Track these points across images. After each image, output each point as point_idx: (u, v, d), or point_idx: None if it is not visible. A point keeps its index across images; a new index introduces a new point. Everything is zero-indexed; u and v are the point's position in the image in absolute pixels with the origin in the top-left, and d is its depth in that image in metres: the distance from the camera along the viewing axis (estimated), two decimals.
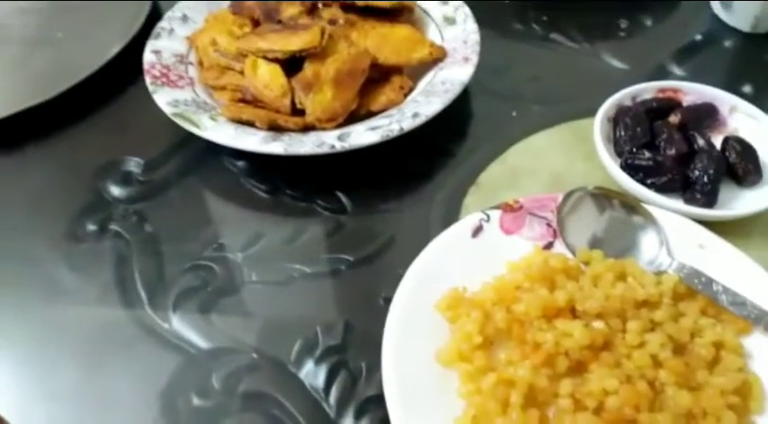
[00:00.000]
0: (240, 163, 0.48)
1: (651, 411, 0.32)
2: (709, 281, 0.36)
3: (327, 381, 0.36)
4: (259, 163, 0.48)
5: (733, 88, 0.53)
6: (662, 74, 0.54)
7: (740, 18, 0.57)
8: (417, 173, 0.47)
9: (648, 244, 0.38)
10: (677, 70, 0.55)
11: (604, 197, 0.40)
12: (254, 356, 0.38)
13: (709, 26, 0.59)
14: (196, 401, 0.36)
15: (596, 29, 0.59)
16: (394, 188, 0.46)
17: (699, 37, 0.58)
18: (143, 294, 0.41)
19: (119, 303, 0.41)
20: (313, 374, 0.37)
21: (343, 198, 0.46)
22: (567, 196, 0.40)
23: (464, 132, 0.50)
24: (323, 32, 0.47)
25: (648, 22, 0.60)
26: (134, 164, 0.48)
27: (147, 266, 0.42)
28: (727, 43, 0.57)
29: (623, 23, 0.59)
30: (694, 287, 0.36)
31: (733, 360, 0.34)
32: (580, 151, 0.47)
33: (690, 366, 0.34)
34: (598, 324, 0.34)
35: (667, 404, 0.32)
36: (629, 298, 0.35)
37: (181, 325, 0.39)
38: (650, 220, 0.39)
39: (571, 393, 0.33)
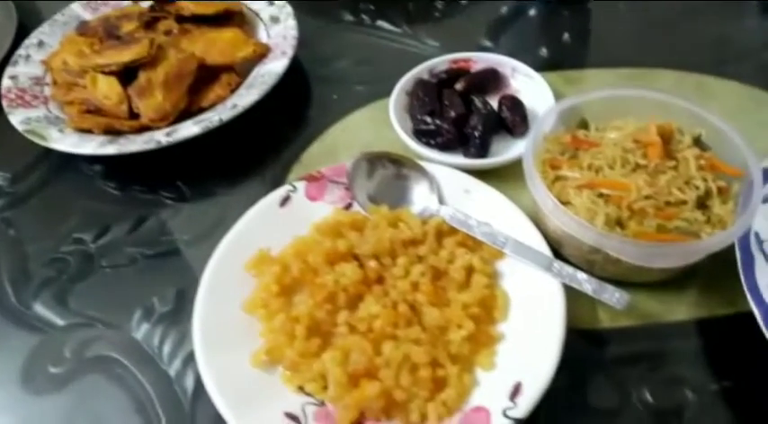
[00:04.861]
0: (96, 167, 0.54)
1: (409, 327, 0.39)
2: (466, 218, 0.44)
3: (161, 339, 0.43)
4: (113, 166, 0.54)
5: (533, 52, 0.60)
6: (474, 48, 0.61)
7: None
8: (249, 158, 0.54)
9: (420, 194, 0.46)
10: (488, 43, 0.62)
11: (377, 159, 0.47)
12: (101, 326, 0.44)
13: None
14: (51, 369, 0.43)
15: (416, 13, 0.65)
16: (229, 173, 0.53)
17: (506, 9, 0.65)
18: (9, 288, 0.47)
19: None
20: (149, 335, 0.44)
21: (184, 188, 0.52)
22: (352, 163, 0.47)
23: (293, 116, 0.57)
24: (152, 44, 0.53)
25: (464, 2, 0.67)
26: (1, 179, 0.55)
27: (12, 265, 0.49)
28: (532, 12, 0.64)
29: (440, 5, 0.66)
30: (455, 225, 0.44)
31: (479, 280, 0.41)
32: (388, 123, 0.53)
33: (444, 288, 0.41)
34: (371, 263, 0.42)
35: (423, 320, 0.40)
36: (397, 239, 0.42)
37: (41, 309, 0.46)
38: (421, 173, 0.46)
39: (346, 321, 0.40)
